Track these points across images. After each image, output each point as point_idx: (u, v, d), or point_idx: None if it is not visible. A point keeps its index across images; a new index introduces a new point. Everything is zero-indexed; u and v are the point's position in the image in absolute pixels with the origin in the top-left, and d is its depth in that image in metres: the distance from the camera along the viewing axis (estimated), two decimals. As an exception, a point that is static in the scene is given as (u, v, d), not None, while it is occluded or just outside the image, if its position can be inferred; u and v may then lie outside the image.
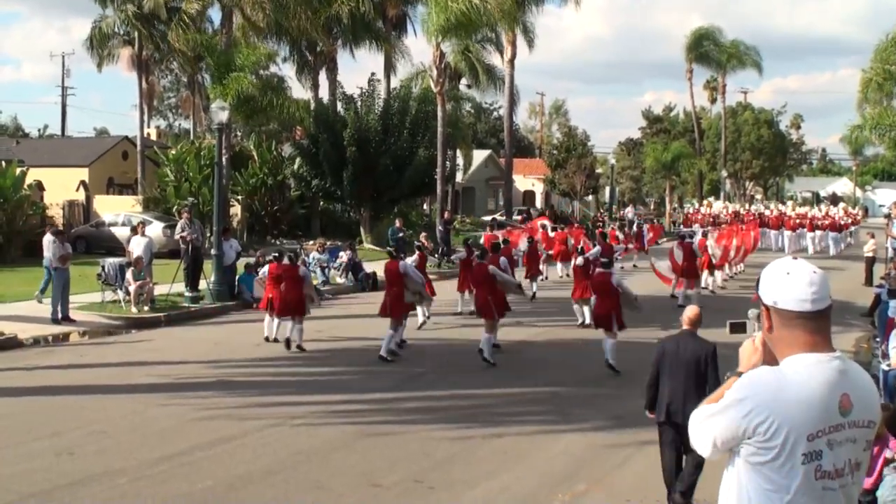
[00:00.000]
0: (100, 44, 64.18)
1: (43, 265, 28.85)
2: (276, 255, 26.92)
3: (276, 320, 24.95)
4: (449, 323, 27.95)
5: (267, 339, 24.95)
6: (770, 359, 4.62)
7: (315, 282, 34.99)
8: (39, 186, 52.77)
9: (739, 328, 5.37)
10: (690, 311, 13.47)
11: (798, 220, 66.89)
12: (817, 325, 4.49)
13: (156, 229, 43.03)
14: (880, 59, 46.48)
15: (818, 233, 64.51)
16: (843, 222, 69.88)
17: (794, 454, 4.33)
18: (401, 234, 41.67)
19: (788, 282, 4.50)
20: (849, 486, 4.48)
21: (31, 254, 41.73)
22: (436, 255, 43.46)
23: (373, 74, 59.83)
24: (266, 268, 26.52)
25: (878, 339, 24.10)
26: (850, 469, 4.46)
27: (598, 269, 23.42)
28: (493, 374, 21.27)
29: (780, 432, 4.31)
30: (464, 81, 71.74)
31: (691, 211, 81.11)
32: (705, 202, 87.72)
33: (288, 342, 24.00)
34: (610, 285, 21.97)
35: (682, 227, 75.29)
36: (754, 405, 4.35)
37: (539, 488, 13.14)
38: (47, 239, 29.04)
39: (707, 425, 4.54)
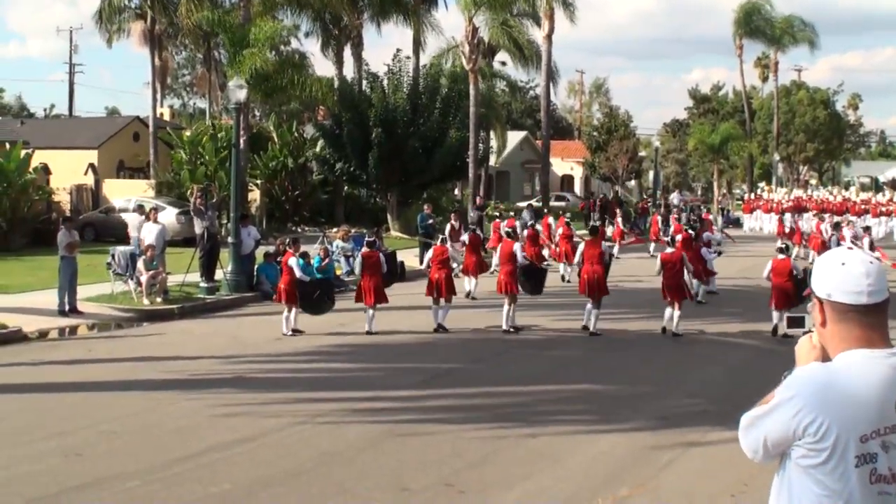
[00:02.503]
0: (109, 18, 64.24)
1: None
2: (292, 240, 27.02)
3: (293, 312, 25.04)
4: (480, 315, 27.92)
5: (296, 331, 25.02)
6: (828, 358, 4.57)
7: (339, 271, 35.13)
8: (45, 169, 52.90)
9: (798, 323, 5.34)
10: None
11: (863, 206, 67.55)
12: (873, 319, 4.45)
13: (169, 215, 43.25)
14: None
15: (883, 219, 65.04)
16: None
17: (846, 457, 4.30)
18: (430, 221, 41.67)
19: (843, 273, 4.46)
20: (908, 492, 4.45)
21: (37, 242, 42.02)
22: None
23: (398, 51, 59.71)
24: (281, 257, 26.65)
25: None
26: (909, 473, 4.44)
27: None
28: (527, 370, 21.30)
29: (831, 433, 4.28)
30: (498, 58, 71.63)
31: (752, 197, 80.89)
32: (766, 187, 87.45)
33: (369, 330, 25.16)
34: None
35: (742, 214, 75.51)
36: (803, 404, 4.32)
37: (578, 492, 13.11)
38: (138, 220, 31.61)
39: (756, 427, 4.52)
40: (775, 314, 25.43)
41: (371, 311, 25.17)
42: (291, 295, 25.06)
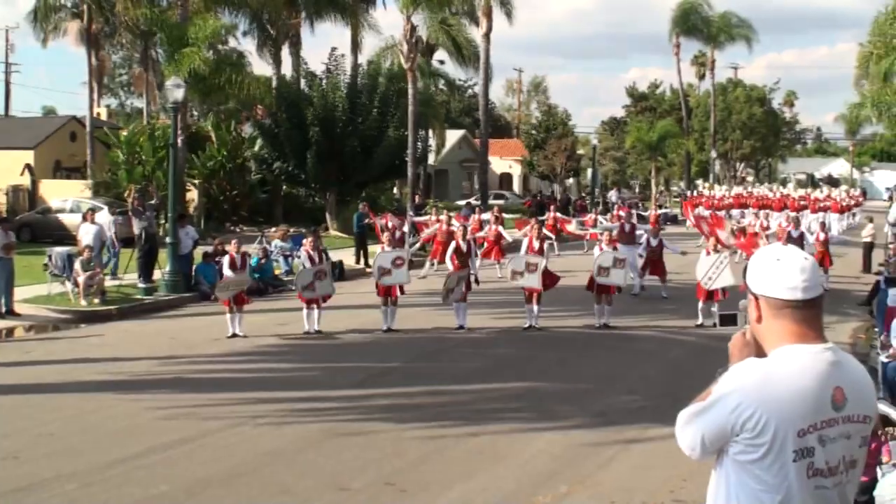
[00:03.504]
0: (44, 17, 63.84)
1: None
2: (237, 241, 26.88)
3: (237, 315, 24.83)
4: (420, 314, 27.92)
5: (236, 335, 24.79)
6: (762, 354, 4.62)
7: (277, 271, 35.01)
8: (-19, 170, 52.62)
9: (730, 321, 5.37)
10: None
11: (801, 202, 68.56)
12: (808, 314, 4.51)
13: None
14: (879, 32, 46.62)
15: (820, 214, 65.80)
16: (844, 204, 71.60)
17: (784, 451, 4.33)
18: (367, 220, 41.57)
19: (778, 269, 4.52)
20: (843, 485, 4.49)
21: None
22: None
23: (334, 49, 59.39)
24: (226, 258, 26.35)
25: (876, 330, 24.20)
26: (845, 467, 4.47)
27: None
28: (467, 368, 21.32)
29: (769, 428, 4.31)
30: (436, 57, 71.67)
31: (694, 194, 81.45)
32: (706, 185, 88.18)
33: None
34: None
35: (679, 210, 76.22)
36: (741, 399, 4.35)
37: (518, 490, 13.15)
38: (107, 220, 32.93)
39: (694, 424, 4.54)
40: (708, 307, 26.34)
41: (313, 310, 25.11)
42: (235, 296, 24.88)
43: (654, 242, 33.14)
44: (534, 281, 25.55)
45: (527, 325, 25.89)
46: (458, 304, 25.91)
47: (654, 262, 32.70)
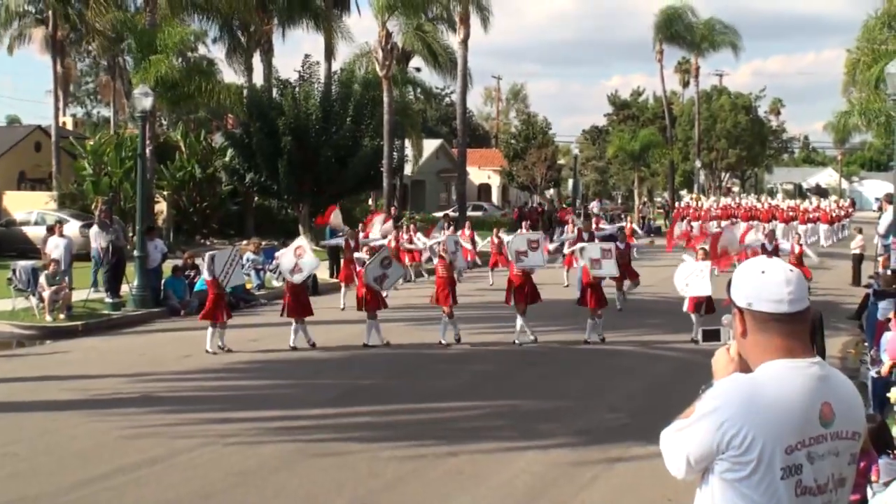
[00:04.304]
0: (6, 24, 63.71)
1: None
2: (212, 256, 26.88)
3: (218, 330, 24.69)
4: (398, 329, 27.86)
5: (220, 348, 24.76)
6: (746, 369, 4.62)
7: (249, 285, 34.88)
8: (-58, 181, 52.46)
9: (713, 336, 5.38)
10: None
11: (790, 213, 68.94)
12: (795, 327, 4.51)
13: (73, 228, 42.84)
14: (867, 38, 46.76)
15: (809, 225, 66.19)
16: (834, 215, 72.05)
17: (772, 469, 4.32)
18: (340, 233, 41.43)
19: (763, 281, 4.52)
20: (833, 504, 4.49)
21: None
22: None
23: (307, 56, 59.29)
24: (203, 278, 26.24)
25: (866, 344, 24.21)
26: (834, 485, 4.47)
27: None
28: (446, 385, 21.28)
29: (756, 445, 4.31)
30: (412, 64, 71.70)
31: (682, 205, 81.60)
32: (692, 196, 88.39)
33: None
34: None
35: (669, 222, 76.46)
36: (727, 416, 4.35)
37: (498, 510, 13.16)
38: (94, 231, 32.66)
39: (678, 442, 4.53)
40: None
41: (295, 325, 25.09)
42: (216, 311, 24.76)
43: (621, 246, 33.19)
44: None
45: (519, 342, 25.88)
46: (444, 318, 25.87)
47: (625, 266, 32.70)
